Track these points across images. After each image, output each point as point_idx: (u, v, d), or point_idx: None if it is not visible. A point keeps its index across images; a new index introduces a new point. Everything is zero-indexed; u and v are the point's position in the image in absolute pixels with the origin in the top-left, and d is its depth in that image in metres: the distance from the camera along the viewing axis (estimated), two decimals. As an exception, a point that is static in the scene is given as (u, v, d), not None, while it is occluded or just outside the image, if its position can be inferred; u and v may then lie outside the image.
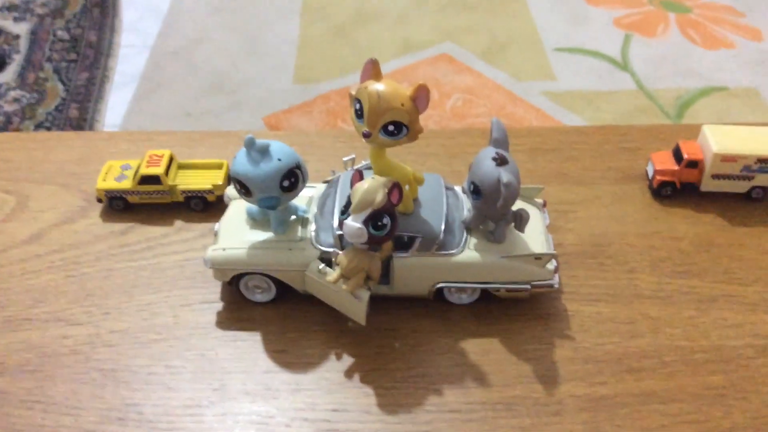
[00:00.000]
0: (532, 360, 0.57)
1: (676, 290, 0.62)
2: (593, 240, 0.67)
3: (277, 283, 0.59)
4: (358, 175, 0.53)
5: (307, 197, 0.61)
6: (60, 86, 1.95)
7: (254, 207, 0.59)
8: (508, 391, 0.55)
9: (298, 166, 0.55)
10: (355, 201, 0.52)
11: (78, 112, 1.86)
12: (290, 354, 0.58)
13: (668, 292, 0.62)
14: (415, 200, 0.59)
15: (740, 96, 2.53)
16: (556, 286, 0.59)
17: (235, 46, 2.64)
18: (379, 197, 0.51)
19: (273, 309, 0.61)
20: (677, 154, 0.70)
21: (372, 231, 0.52)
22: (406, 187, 0.58)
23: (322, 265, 0.56)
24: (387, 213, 0.52)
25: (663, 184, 0.70)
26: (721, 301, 0.61)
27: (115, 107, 1.97)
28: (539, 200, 0.64)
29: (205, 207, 0.69)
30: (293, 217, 0.60)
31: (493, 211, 0.57)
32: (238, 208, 0.62)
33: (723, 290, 0.62)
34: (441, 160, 0.75)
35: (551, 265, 0.59)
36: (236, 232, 0.60)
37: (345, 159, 0.63)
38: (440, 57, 2.72)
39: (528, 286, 0.58)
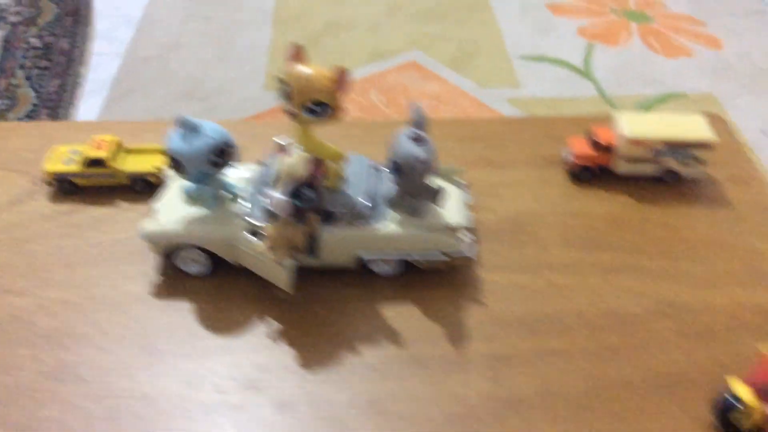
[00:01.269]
0: (446, 323, 0.62)
1: (584, 262, 0.67)
2: (513, 218, 0.72)
3: (211, 255, 0.63)
4: (282, 149, 0.58)
5: (243, 178, 0.66)
6: (32, 93, 1.98)
7: (190, 185, 0.63)
8: (421, 349, 0.59)
9: (228, 144, 0.60)
10: (280, 174, 0.56)
11: (49, 118, 1.89)
12: (221, 321, 0.62)
13: (577, 264, 0.67)
14: (342, 178, 0.64)
15: (698, 102, 2.61)
16: (473, 257, 0.64)
17: (207, 53, 2.69)
18: (302, 170, 0.56)
19: (207, 281, 0.65)
20: (592, 140, 0.75)
21: (296, 203, 0.56)
22: (333, 164, 0.63)
23: (251, 237, 0.61)
24: (311, 186, 0.57)
25: (579, 168, 0.75)
26: (626, 272, 0.66)
27: (87, 114, 2.01)
28: (462, 181, 0.69)
29: (149, 189, 0.73)
30: (227, 194, 0.64)
31: (411, 186, 0.62)
32: (175, 187, 0.66)
33: (628, 262, 0.67)
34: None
35: (467, 238, 0.64)
36: (172, 209, 0.64)
37: (281, 141, 0.67)
38: (409, 65, 2.78)
39: (445, 257, 0.63)
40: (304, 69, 0.57)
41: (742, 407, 0.52)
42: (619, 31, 2.74)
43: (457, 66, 2.77)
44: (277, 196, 0.56)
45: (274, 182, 0.57)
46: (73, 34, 2.45)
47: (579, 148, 0.75)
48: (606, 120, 0.77)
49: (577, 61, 2.73)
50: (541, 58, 2.74)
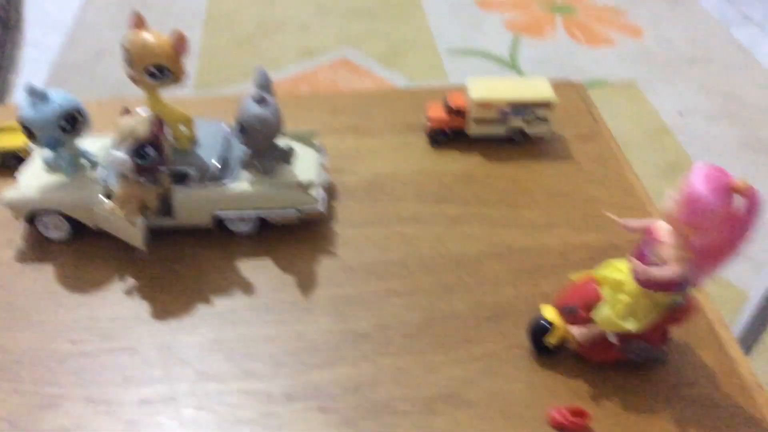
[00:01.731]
0: (297, 273, 0.66)
1: (431, 213, 0.72)
2: (371, 179, 0.76)
3: (70, 220, 0.67)
4: (124, 111, 0.62)
5: (103, 145, 0.69)
6: (-40, 99, 1.97)
7: (49, 154, 0.66)
8: (271, 297, 0.63)
9: (77, 110, 0.63)
10: (119, 133, 0.60)
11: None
12: (81, 281, 0.65)
13: (425, 216, 0.72)
14: (193, 140, 0.68)
15: (619, 89, 2.71)
16: (323, 211, 0.68)
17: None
18: (142, 129, 0.60)
19: (70, 245, 0.68)
20: (447, 105, 0.80)
21: (137, 161, 0.60)
22: (183, 127, 0.67)
23: (101, 198, 0.64)
24: (151, 144, 0.61)
25: (435, 132, 0.80)
26: (469, 221, 0.71)
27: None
28: (317, 143, 0.74)
29: (20, 164, 0.76)
30: (84, 161, 0.68)
31: (258, 146, 0.66)
32: (38, 157, 0.69)
33: (472, 212, 0.72)
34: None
35: (316, 193, 0.68)
36: (33, 177, 0.67)
37: (138, 110, 0.71)
38: (340, 62, 2.83)
39: (296, 212, 0.68)
40: (143, 35, 0.61)
41: (548, 327, 0.57)
42: (545, 23, 2.83)
43: (387, 62, 2.83)
44: (118, 154, 0.60)
45: (117, 142, 0.60)
46: (2, 42, 2.44)
47: (435, 113, 0.80)
48: (463, 88, 0.82)
49: (503, 53, 2.81)
50: (469, 52, 2.82)
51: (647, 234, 0.52)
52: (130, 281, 0.65)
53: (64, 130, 0.63)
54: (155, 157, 0.61)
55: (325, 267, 0.66)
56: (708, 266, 0.49)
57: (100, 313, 0.62)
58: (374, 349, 0.59)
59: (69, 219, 0.67)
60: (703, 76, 2.73)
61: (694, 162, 2.28)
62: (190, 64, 2.77)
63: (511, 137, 0.81)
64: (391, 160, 0.79)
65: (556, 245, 0.69)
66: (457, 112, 0.79)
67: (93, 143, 0.69)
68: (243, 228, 0.69)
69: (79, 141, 0.67)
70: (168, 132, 0.66)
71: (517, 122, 0.79)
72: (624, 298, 0.53)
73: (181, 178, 0.66)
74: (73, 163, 0.66)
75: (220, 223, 0.68)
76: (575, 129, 0.83)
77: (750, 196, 0.46)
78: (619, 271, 0.54)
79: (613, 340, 0.55)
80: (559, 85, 0.88)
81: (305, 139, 0.73)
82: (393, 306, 0.63)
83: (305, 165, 0.70)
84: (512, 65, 2.68)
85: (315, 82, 2.67)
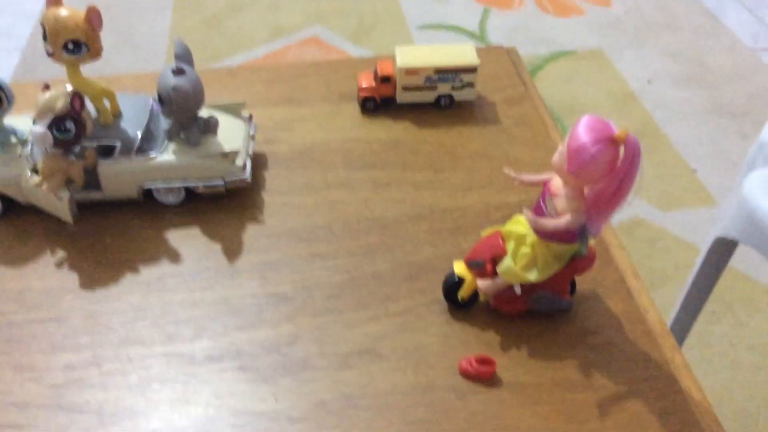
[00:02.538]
0: (223, 241, 0.68)
1: (359, 180, 0.74)
2: (302, 148, 0.78)
3: (0, 196, 0.68)
4: (45, 87, 0.63)
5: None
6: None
7: (-22, 132, 0.68)
8: (195, 264, 0.65)
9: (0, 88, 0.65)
10: (38, 108, 0.61)
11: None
12: (11, 254, 0.66)
13: (352, 182, 0.74)
14: (118, 114, 0.69)
15: (587, 58, 2.72)
16: (248, 179, 0.70)
17: (107, 42, 2.69)
18: (60, 104, 0.61)
19: (1, 221, 0.69)
20: (376, 73, 0.82)
21: (57, 135, 0.62)
22: (107, 102, 0.69)
23: (29, 173, 0.66)
24: (70, 118, 0.62)
25: (366, 100, 0.82)
26: (394, 185, 0.73)
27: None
28: (246, 114, 0.75)
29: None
30: (13, 139, 0.69)
31: (177, 116, 0.67)
32: (-33, 136, 0.70)
33: (398, 176, 0.74)
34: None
35: (241, 162, 0.70)
36: (-37, 156, 0.68)
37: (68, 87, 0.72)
38: (310, 40, 2.82)
39: (222, 182, 0.69)
40: (57, 10, 0.62)
41: (459, 282, 0.59)
42: (514, -5, 2.82)
43: (357, 39, 2.83)
44: (38, 129, 0.61)
45: (36, 117, 0.62)
46: (-31, 32, 2.42)
47: (366, 81, 0.82)
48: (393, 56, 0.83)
49: (472, 26, 2.81)
50: (439, 26, 2.82)
51: (544, 187, 0.54)
52: (61, 254, 0.66)
53: (-16, 107, 0.64)
54: (72, 129, 0.62)
55: (251, 234, 0.68)
56: (601, 214, 0.51)
57: (30, 285, 0.64)
58: (295, 311, 0.61)
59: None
60: (671, 43, 2.74)
61: (661, 128, 2.28)
62: (161, 46, 2.76)
63: (438, 103, 0.82)
64: (322, 129, 0.81)
65: (477, 205, 0.71)
66: (386, 80, 0.81)
67: (24, 121, 0.70)
68: (170, 199, 0.70)
69: (7, 118, 0.68)
70: (91, 106, 0.68)
71: (444, 88, 0.81)
72: (526, 250, 0.55)
73: (106, 152, 0.67)
74: (1, 141, 0.67)
75: (147, 195, 0.69)
76: (504, 93, 0.85)
77: (629, 144, 0.47)
78: (523, 225, 0.56)
79: (518, 291, 0.57)
80: (490, 50, 0.90)
81: (233, 111, 0.75)
82: (316, 269, 0.65)
83: (231, 135, 0.71)
84: (482, 38, 2.69)
85: (285, 62, 2.66)
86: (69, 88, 0.66)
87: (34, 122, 0.62)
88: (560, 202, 0.52)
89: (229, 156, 0.68)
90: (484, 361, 0.56)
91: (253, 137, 0.74)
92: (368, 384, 0.56)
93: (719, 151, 2.23)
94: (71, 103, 0.61)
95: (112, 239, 0.68)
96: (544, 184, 0.54)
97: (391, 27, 2.75)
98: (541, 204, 0.54)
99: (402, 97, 0.81)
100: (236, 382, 0.56)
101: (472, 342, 0.59)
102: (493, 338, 0.59)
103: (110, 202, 0.70)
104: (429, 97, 0.81)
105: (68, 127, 0.61)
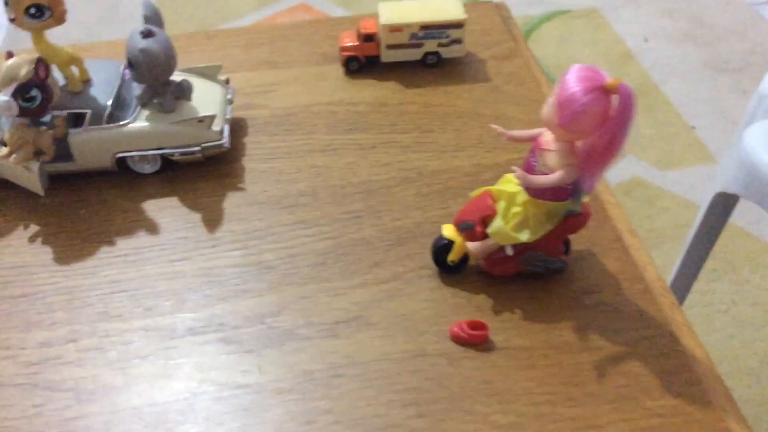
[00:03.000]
0: (202, 209, 0.65)
1: (343, 143, 0.71)
2: (284, 112, 0.75)
3: (-30, 171, 0.65)
4: (8, 55, 0.60)
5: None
6: None
7: (-59, 104, 0.64)
8: (174, 234, 0.63)
9: (-37, 58, 0.61)
10: (1, 77, 0.58)
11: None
12: (-15, 231, 0.64)
13: (336, 146, 0.71)
14: (88, 81, 0.66)
15: (582, 17, 2.66)
16: (226, 145, 0.67)
17: (92, 17, 2.63)
18: (24, 71, 0.58)
19: (-28, 196, 0.67)
20: (359, 32, 0.78)
21: (22, 104, 0.58)
22: (75, 69, 0.65)
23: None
24: (36, 86, 0.59)
25: (348, 60, 0.78)
26: (380, 147, 0.70)
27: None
28: (222, 78, 0.72)
29: None
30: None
31: (148, 80, 0.64)
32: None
33: (383, 139, 0.71)
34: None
35: (218, 127, 0.67)
36: (-74, 128, 0.65)
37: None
38: (298, 7, 2.76)
39: (199, 148, 0.66)
40: (15, -27, 0.58)
41: (449, 244, 0.57)
42: (505, -45, 2.73)
43: (348, 4, 2.76)
44: (1, 98, 0.58)
45: (0, 87, 0.58)
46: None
47: (347, 40, 0.78)
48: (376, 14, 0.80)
49: (464, -12, 2.72)
50: (429, -11, 2.72)
51: (534, 143, 0.51)
52: (33, 228, 0.64)
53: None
54: (41, 99, 0.59)
55: (231, 202, 0.65)
56: (594, 169, 0.49)
57: (1, 261, 0.61)
58: (279, 280, 0.59)
59: (-33, 170, 0.65)
60: (668, 0, 2.68)
61: (659, 86, 2.24)
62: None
63: (424, 61, 0.79)
64: (305, 92, 0.77)
65: (467, 166, 0.68)
66: (369, 38, 0.77)
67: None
68: (146, 167, 0.67)
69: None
70: (59, 74, 0.64)
71: (431, 45, 0.77)
72: (517, 209, 0.52)
73: (76, 120, 0.64)
74: (-36, 113, 0.64)
75: (122, 164, 0.67)
76: (493, 49, 0.82)
77: (622, 93, 0.45)
78: (514, 184, 0.53)
79: (510, 252, 0.54)
80: (478, 5, 0.87)
81: (209, 75, 0.71)
82: (301, 237, 0.62)
83: (208, 100, 0.68)
84: None
85: (273, 29, 2.60)
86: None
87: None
88: (551, 158, 0.49)
89: (205, 121, 0.65)
90: (476, 325, 0.54)
91: (231, 101, 0.71)
92: (356, 353, 0.53)
93: (718, 107, 2.19)
94: (36, 70, 0.58)
95: (87, 211, 0.65)
96: (534, 139, 0.51)
97: (381, -8, 2.68)
98: (531, 161, 0.51)
99: (387, 55, 0.78)
100: (219, 354, 0.54)
101: (464, 307, 0.56)
102: (485, 302, 0.57)
103: (84, 172, 0.67)
104: (415, 55, 0.78)
105: (33, 95, 0.58)
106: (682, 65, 2.38)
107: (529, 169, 0.51)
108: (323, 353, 0.54)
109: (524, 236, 0.52)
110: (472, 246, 0.56)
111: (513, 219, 0.53)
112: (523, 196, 0.52)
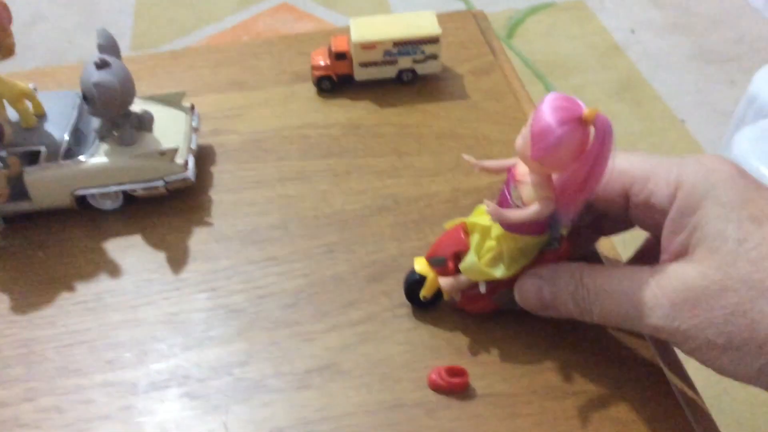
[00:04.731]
0: (167, 247, 0.62)
1: (316, 170, 0.68)
2: (253, 138, 0.71)
3: None
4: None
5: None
6: None
7: None
8: (137, 277, 0.59)
9: None
10: (-56, 119, 0.54)
11: None
12: (-63, 277, 0.61)
13: (309, 173, 0.68)
14: (42, 116, 0.62)
15: (568, 9, 2.63)
16: (191, 178, 0.64)
17: (70, 23, 2.58)
18: (-31, 112, 0.54)
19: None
20: (330, 49, 0.75)
21: (-32, 145, 0.55)
22: (29, 103, 0.62)
23: (-56, 188, 0.59)
24: (-16, 126, 0.55)
25: (320, 79, 0.75)
26: (354, 174, 0.67)
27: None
28: (187, 105, 0.68)
29: None
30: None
31: (106, 114, 0.61)
32: None
33: (358, 164, 0.68)
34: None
35: (182, 160, 0.63)
36: None
37: None
38: (280, 7, 2.72)
39: (162, 182, 0.63)
40: (-46, 6, 0.55)
41: (421, 280, 0.54)
42: (490, -51, 2.71)
43: (331, 3, 2.72)
44: (-58, 140, 0.54)
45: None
46: None
47: (318, 59, 0.75)
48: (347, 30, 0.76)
49: (451, -17, 2.70)
50: (414, -15, 2.70)
51: (508, 174, 0.48)
52: (-11, 275, 0.60)
53: None
54: (-12, 139, 0.55)
55: (198, 239, 0.62)
56: (571, 203, 0.46)
57: (-44, 313, 0.58)
58: (248, 325, 0.56)
59: None
60: (654, -11, 2.64)
61: (647, 79, 2.22)
62: (126, 23, 2.66)
63: (400, 78, 0.75)
64: (275, 115, 0.74)
65: (445, 192, 0.65)
66: (341, 56, 0.74)
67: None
68: (108, 204, 0.64)
69: None
70: (10, 109, 0.61)
71: (406, 62, 0.74)
72: (491, 243, 0.49)
73: (31, 159, 0.61)
74: None
75: (82, 201, 0.63)
76: (471, 63, 0.78)
77: (599, 124, 0.41)
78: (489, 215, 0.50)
79: (483, 289, 0.51)
80: (455, 16, 0.83)
81: (172, 102, 0.68)
82: (271, 275, 0.59)
83: (171, 130, 0.65)
84: (458, -6, 2.59)
85: (255, 31, 2.56)
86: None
87: (-58, 133, 0.55)
88: (526, 190, 0.46)
89: (168, 154, 0.62)
90: (455, 371, 0.51)
91: (196, 130, 0.67)
92: (329, 405, 0.51)
93: (707, 100, 2.17)
94: (-20, 108, 0.55)
95: (45, 254, 0.62)
96: (508, 170, 0.48)
97: (364, -13, 2.65)
98: (506, 193, 0.48)
99: (360, 74, 0.75)
100: (183, 410, 0.51)
101: (443, 349, 0.54)
102: (464, 343, 0.54)
103: (40, 212, 0.63)
104: (389, 72, 0.75)
105: (-20, 136, 0.55)
106: (669, 57, 2.34)
107: (504, 201, 0.48)
108: (294, 407, 0.51)
109: (498, 272, 0.49)
110: (444, 282, 0.53)
111: (486, 254, 0.50)
112: (497, 230, 0.49)
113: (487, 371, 0.52)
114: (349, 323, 0.55)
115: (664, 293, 0.43)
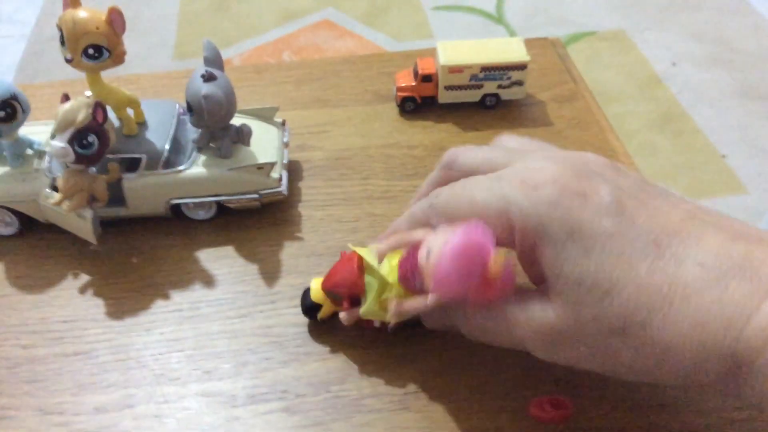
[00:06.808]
0: (259, 260, 0.62)
1: (402, 190, 0.68)
2: (338, 155, 0.72)
3: (18, 214, 0.62)
4: (64, 98, 0.57)
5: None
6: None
7: (-10, 145, 0.62)
8: (231, 288, 0.60)
9: (14, 97, 0.59)
10: (57, 121, 0.55)
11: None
12: (33, 278, 0.61)
13: (395, 193, 0.68)
14: (143, 123, 0.63)
15: (608, 39, 2.64)
16: (285, 192, 0.64)
17: (114, 27, 2.62)
18: (81, 116, 0.55)
19: (19, 240, 0.64)
20: (415, 71, 0.75)
21: (78, 150, 0.56)
22: (130, 111, 0.63)
23: (48, 190, 0.60)
24: (93, 131, 0.56)
25: (404, 100, 0.76)
26: (442, 196, 0.67)
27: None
28: (279, 120, 0.69)
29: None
30: (29, 150, 0.63)
31: (208, 126, 0.61)
32: (-22, 148, 0.64)
33: (445, 186, 0.68)
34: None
35: (277, 174, 0.64)
36: (-26, 170, 0.63)
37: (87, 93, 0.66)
38: (321, 23, 2.74)
39: (257, 195, 0.63)
40: (75, 12, 0.56)
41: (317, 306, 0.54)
42: (532, -26, 2.72)
43: (370, 21, 2.75)
44: (56, 143, 0.55)
45: (56, 131, 0.56)
46: (-29, 18, 2.36)
47: (404, 80, 0.76)
48: (434, 52, 0.77)
49: (490, 7, 2.72)
50: (454, 8, 2.73)
51: (412, 257, 0.45)
52: (84, 278, 0.61)
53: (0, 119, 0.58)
54: (95, 143, 0.56)
55: (289, 253, 0.63)
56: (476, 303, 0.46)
57: (52, 314, 0.58)
58: (342, 343, 0.56)
59: (17, 213, 0.62)
60: (694, 23, 2.65)
61: (687, 112, 2.20)
62: (169, 34, 2.69)
63: (483, 102, 0.76)
64: (359, 133, 0.75)
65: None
66: (427, 79, 0.74)
67: (37, 130, 0.64)
68: (201, 214, 0.65)
69: (22, 129, 0.62)
70: (113, 116, 0.62)
71: (491, 87, 0.74)
72: (390, 296, 0.48)
73: (131, 166, 0.61)
74: (16, 154, 0.62)
75: (177, 211, 0.64)
76: (553, 90, 0.79)
77: (504, 279, 0.42)
78: (390, 266, 0.47)
79: (391, 327, 0.52)
80: (535, 42, 0.84)
81: (266, 117, 0.69)
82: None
83: (266, 145, 0.66)
84: (499, 19, 2.61)
85: (297, 46, 2.59)
86: (87, 93, 0.60)
87: (53, 136, 0.56)
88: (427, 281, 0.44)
89: (265, 168, 0.63)
90: (557, 403, 0.51)
91: (287, 145, 0.68)
92: (428, 428, 0.50)
93: (749, 135, 2.16)
94: (93, 114, 0.56)
95: (139, 259, 0.62)
96: (413, 251, 0.46)
97: (405, 8, 2.67)
98: (408, 273, 0.46)
99: (444, 97, 0.75)
100: (284, 427, 0.51)
101: (542, 376, 0.53)
102: (561, 372, 0.53)
103: (134, 218, 0.64)
104: (474, 96, 0.75)
105: (90, 141, 0.56)
106: (710, 90, 2.34)
107: (407, 274, 0.46)
108: (394, 429, 0.50)
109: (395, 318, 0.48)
110: (344, 316, 0.52)
111: (386, 301, 0.48)
112: (398, 290, 0.47)
113: (591, 403, 0.52)
114: (444, 346, 0.55)
115: (536, 336, 0.44)
